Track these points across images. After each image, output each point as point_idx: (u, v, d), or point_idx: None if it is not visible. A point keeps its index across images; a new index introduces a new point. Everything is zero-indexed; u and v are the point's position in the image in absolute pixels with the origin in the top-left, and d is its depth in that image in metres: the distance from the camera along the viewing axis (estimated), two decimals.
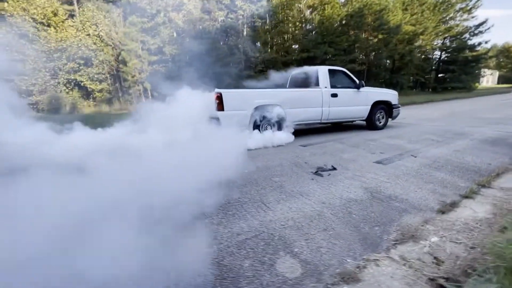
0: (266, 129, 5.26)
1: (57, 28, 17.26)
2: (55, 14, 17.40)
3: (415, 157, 3.73)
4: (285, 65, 22.53)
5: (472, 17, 28.32)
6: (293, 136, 5.38)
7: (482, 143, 4.40)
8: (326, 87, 5.75)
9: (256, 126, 5.17)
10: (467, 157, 3.64)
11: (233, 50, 20.95)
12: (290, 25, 21.91)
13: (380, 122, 6.52)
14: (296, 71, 6.81)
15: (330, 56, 22.69)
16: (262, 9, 21.49)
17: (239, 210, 2.22)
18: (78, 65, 18.00)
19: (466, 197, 2.36)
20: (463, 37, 29.24)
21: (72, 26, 17.94)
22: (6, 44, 16.04)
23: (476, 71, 32.39)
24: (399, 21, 24.41)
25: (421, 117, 8.86)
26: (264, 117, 5.17)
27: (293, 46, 22.75)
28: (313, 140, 5.41)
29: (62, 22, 17.75)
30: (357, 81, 6.10)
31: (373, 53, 24.52)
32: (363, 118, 6.38)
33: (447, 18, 29.06)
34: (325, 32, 22.47)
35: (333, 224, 1.96)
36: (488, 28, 28.17)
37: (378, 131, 6.25)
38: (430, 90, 31.13)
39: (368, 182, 2.81)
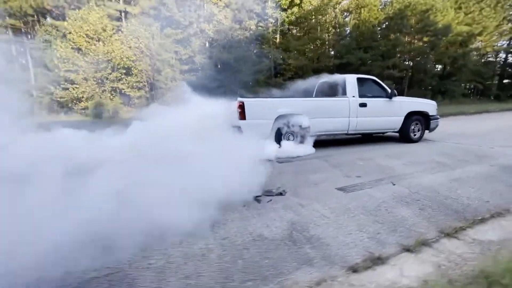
0: (289, 139, 5.09)
1: (105, 42, 19.31)
2: (104, 30, 19.51)
3: (394, 185, 3.05)
4: (317, 72, 21.72)
5: None
6: (313, 149, 5.12)
7: (501, 171, 3.45)
8: (354, 96, 5.46)
9: (279, 136, 5.05)
10: (463, 189, 2.84)
11: (262, 58, 20.96)
12: (322, 31, 21.08)
13: (415, 135, 6.01)
14: (324, 79, 6.56)
15: (367, 61, 21.19)
16: (293, 15, 21.16)
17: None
18: (120, 75, 19.85)
19: (408, 250, 1.77)
20: None
21: (118, 39, 19.89)
22: (65, 57, 18.52)
23: None
24: (450, 21, 21.77)
25: (455, 132, 7.53)
26: (287, 127, 5.03)
27: (326, 53, 21.82)
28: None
29: (110, 36, 19.81)
30: (389, 90, 5.73)
31: (417, 57, 22.19)
32: (396, 130, 5.94)
33: None
34: (360, 37, 21.15)
35: (202, 272, 1.61)
36: None
37: (378, 149, 5.47)
38: (492, 98, 26.96)
39: (303, 215, 2.33)
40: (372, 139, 6.68)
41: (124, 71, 19.80)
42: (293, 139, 5.12)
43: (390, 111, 5.74)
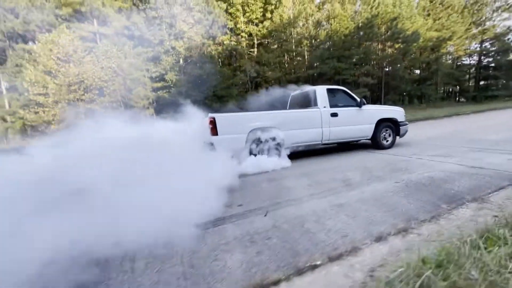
0: (263, 153, 5.05)
1: (76, 63, 19.10)
2: (75, 52, 19.33)
3: (265, 216, 2.63)
4: (293, 83, 21.69)
5: None
6: (289, 161, 5.14)
7: (400, 190, 3.04)
8: (325, 107, 5.58)
9: (254, 148, 5.02)
10: (336, 218, 2.42)
11: (235, 72, 20.90)
12: (295, 42, 21.20)
13: (387, 141, 6.17)
14: (295, 92, 6.68)
15: (341, 70, 21.23)
16: (265, 29, 21.30)
17: None
18: (93, 95, 19.53)
19: None
20: (506, 38, 25.29)
21: (90, 61, 19.71)
22: (35, 81, 18.19)
23: None
24: (419, 27, 22.12)
25: (406, 139, 7.22)
26: (261, 140, 5.00)
27: (300, 64, 21.87)
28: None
29: (82, 58, 19.62)
30: (358, 99, 5.87)
31: (390, 64, 22.35)
32: (368, 137, 6.07)
33: (482, 19, 25.51)
34: (333, 46, 21.29)
35: None
36: None
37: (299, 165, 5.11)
38: (467, 100, 27.12)
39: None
40: (341, 148, 6.65)
41: (97, 92, 19.51)
42: (268, 153, 5.07)
43: (361, 120, 5.86)
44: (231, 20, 20.74)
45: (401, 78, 21.75)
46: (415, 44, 21.06)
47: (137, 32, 18.85)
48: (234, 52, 21.37)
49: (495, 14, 25.25)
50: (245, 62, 21.23)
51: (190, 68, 19.57)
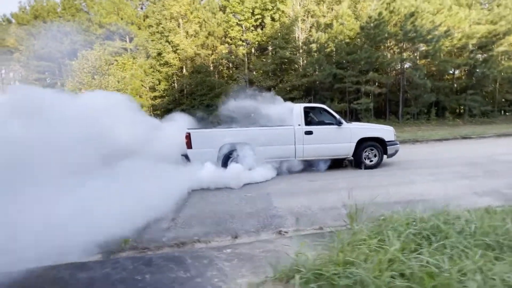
0: (233, 165, 5.25)
1: (100, 75, 22.25)
2: (100, 66, 22.55)
3: None
4: (285, 92, 19.88)
5: None
6: (273, 173, 5.46)
7: None
8: (299, 125, 5.67)
9: (225, 162, 5.37)
10: None
11: (228, 80, 20.53)
12: (288, 49, 19.31)
13: (371, 161, 5.99)
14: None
15: (340, 77, 18.28)
16: (259, 36, 20.15)
17: None
18: None
19: None
20: None
21: (112, 73, 22.62)
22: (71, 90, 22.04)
23: None
24: (458, 22, 16.99)
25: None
26: (232, 154, 5.36)
27: (294, 72, 19.82)
28: None
29: (106, 70, 22.71)
30: (337, 118, 5.83)
31: (402, 71, 17.83)
32: (348, 156, 5.98)
33: None
34: (333, 52, 18.52)
35: None
36: None
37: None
38: None
39: None
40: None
41: None
42: (243, 165, 5.20)
43: (338, 138, 5.77)
44: (227, 28, 20.45)
45: (420, 87, 17.04)
46: (439, 43, 16.13)
47: (139, 45, 20.65)
48: (227, 61, 21.01)
49: None
50: (237, 70, 20.64)
51: (183, 78, 20.28)
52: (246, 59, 20.99)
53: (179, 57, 19.89)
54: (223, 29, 20.51)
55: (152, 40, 20.69)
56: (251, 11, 19.66)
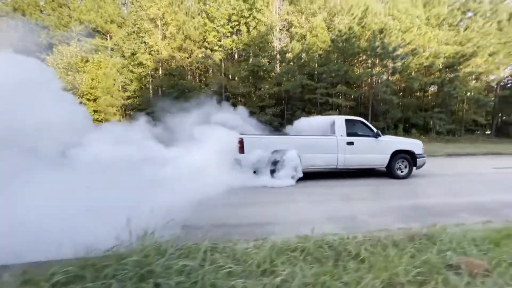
0: (280, 171, 5.60)
1: (74, 71, 21.75)
2: (76, 62, 22.08)
3: None
4: (260, 99, 19.81)
5: None
6: (292, 181, 5.57)
7: None
8: (342, 136, 5.98)
9: (273, 168, 5.66)
10: None
11: (201, 86, 20.36)
12: (262, 56, 19.30)
13: (402, 172, 6.33)
14: (316, 120, 7.39)
15: (311, 88, 18.31)
16: (234, 43, 20.11)
17: None
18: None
19: None
20: None
21: (88, 70, 22.17)
22: None
23: None
24: (427, 41, 17.27)
25: None
26: (279, 160, 5.60)
27: (267, 80, 19.77)
28: None
29: (82, 67, 22.18)
30: (375, 130, 6.19)
31: (372, 86, 17.97)
32: (383, 166, 6.31)
33: None
34: (305, 62, 18.58)
35: None
36: None
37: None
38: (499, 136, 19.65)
39: None
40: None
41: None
42: (281, 172, 5.56)
43: (376, 149, 6.13)
44: (200, 34, 20.34)
45: (388, 102, 17.16)
46: (404, 61, 16.31)
47: (114, 45, 20.34)
48: (203, 66, 20.85)
49: None
50: (211, 76, 20.50)
51: (156, 80, 20.03)
52: (223, 65, 20.87)
53: (153, 58, 19.64)
54: (200, 33, 20.38)
55: (127, 40, 20.41)
56: (228, 18, 19.62)
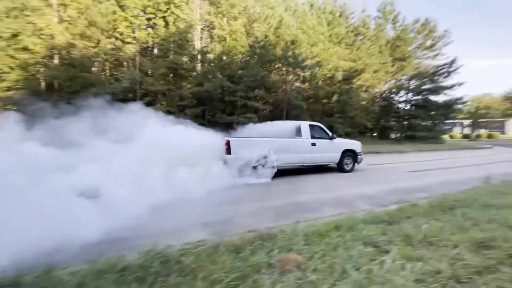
0: (258, 169, 6.45)
1: None
2: None
3: None
4: (178, 99, 19.01)
5: (436, 55, 22.46)
6: (269, 178, 6.54)
7: None
8: (307, 138, 7.36)
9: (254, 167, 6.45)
10: None
11: (110, 81, 18.11)
12: (185, 55, 18.59)
13: (347, 166, 8.05)
14: (284, 124, 8.27)
15: (230, 91, 18.59)
16: (150, 37, 18.73)
17: None
18: None
19: None
20: (426, 78, 23.22)
21: None
22: None
23: (448, 119, 25.40)
24: (330, 55, 19.83)
25: None
26: (260, 160, 6.47)
27: (186, 79, 19.21)
28: None
29: None
30: (330, 134, 7.81)
31: (286, 92, 19.70)
32: (336, 163, 7.93)
33: (405, 56, 23.47)
34: (226, 64, 18.76)
35: None
36: (456, 69, 21.92)
37: None
38: (389, 139, 24.74)
39: None
40: None
41: None
42: (261, 170, 6.46)
43: (331, 149, 7.72)
44: (109, 23, 18.12)
45: (298, 108, 19.16)
46: (312, 71, 18.60)
47: None
48: (113, 59, 18.68)
49: (418, 51, 23.29)
50: (126, 70, 18.53)
51: (48, 70, 16.70)
52: (137, 59, 19.02)
53: (45, 44, 16.25)
54: (108, 21, 18.02)
55: (7, 17, 16.25)
56: (143, 9, 18.02)
